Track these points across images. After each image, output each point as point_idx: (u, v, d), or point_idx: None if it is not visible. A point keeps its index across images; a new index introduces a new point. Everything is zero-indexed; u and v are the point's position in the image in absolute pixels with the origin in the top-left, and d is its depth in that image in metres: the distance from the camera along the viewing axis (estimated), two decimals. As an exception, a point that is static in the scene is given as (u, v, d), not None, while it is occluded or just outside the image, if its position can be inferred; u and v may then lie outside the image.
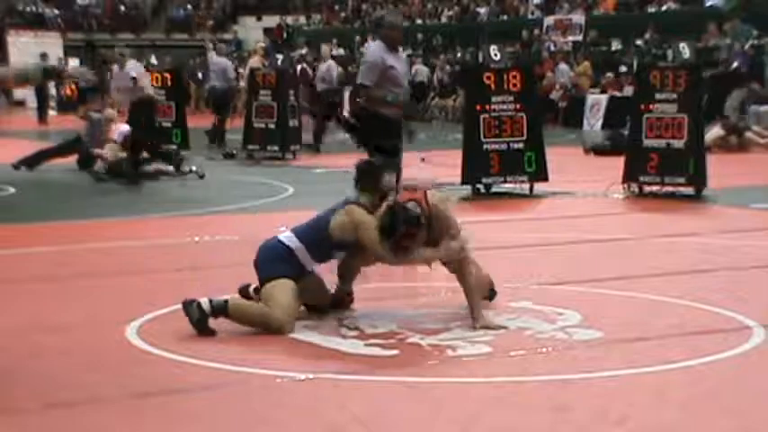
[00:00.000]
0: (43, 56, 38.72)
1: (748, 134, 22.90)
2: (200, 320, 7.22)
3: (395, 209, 7.36)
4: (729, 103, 25.33)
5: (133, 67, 19.09)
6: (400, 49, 11.39)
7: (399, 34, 11.21)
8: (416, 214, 7.33)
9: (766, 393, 6.09)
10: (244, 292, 7.78)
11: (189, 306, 7.25)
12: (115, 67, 22.44)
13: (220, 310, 7.30)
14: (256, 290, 7.68)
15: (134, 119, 18.43)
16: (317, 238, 7.65)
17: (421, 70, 36.26)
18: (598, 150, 21.70)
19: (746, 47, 28.54)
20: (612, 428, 5.45)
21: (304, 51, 33.21)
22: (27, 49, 29.21)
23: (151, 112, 19.07)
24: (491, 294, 8.13)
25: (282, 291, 7.39)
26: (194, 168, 18.38)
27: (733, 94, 25.40)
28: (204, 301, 7.27)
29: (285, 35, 45.32)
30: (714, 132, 21.45)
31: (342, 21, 46.57)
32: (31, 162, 18.87)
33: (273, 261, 7.61)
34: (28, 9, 49.24)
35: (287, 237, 7.72)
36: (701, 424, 5.49)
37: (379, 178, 7.95)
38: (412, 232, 7.34)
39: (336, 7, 48.64)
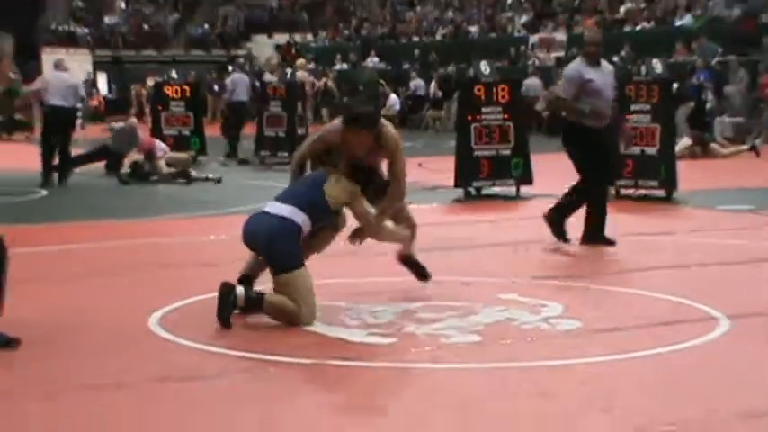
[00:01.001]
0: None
1: (713, 145, 22.93)
2: (227, 315, 7.11)
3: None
4: (677, 118, 25.40)
5: None
6: (603, 63, 10.90)
7: (596, 49, 10.73)
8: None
9: (731, 378, 6.09)
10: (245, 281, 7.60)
11: (225, 295, 7.12)
12: None
13: (254, 303, 7.21)
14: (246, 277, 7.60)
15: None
16: (317, 206, 7.43)
17: (418, 84, 36.24)
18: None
19: (713, 63, 28.55)
20: (592, 409, 5.46)
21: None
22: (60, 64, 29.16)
23: None
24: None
25: (306, 286, 7.25)
26: (210, 176, 18.42)
27: (679, 110, 25.41)
28: (240, 293, 7.18)
29: (294, 51, 45.29)
30: (683, 143, 21.48)
31: (345, 38, 46.51)
32: (69, 170, 18.82)
33: (291, 244, 7.30)
34: (60, 28, 49.16)
35: (291, 211, 7.36)
36: (671, 407, 5.48)
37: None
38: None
39: (340, 26, 48.62)
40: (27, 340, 6.99)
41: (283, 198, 7.57)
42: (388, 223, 7.82)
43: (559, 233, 10.66)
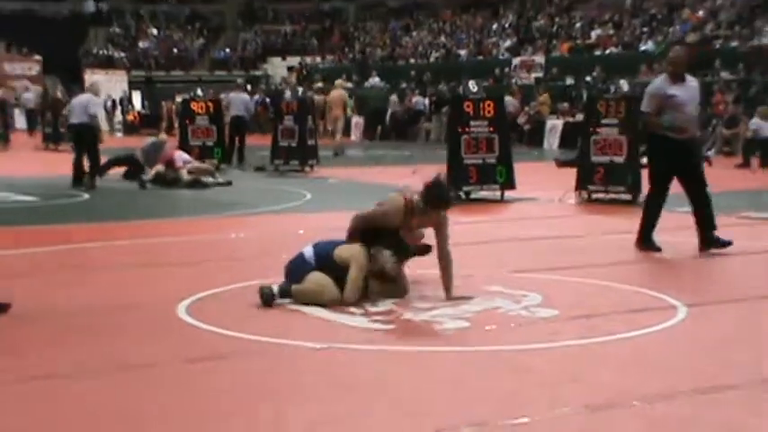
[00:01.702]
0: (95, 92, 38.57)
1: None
2: (269, 300, 7.44)
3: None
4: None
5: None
6: (689, 78, 10.33)
7: (678, 68, 10.18)
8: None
9: (688, 357, 6.13)
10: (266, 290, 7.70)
11: (262, 290, 7.46)
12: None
13: (285, 293, 7.52)
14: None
15: None
16: (326, 258, 7.74)
17: (419, 100, 36.25)
18: (567, 164, 21.67)
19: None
20: (567, 384, 5.48)
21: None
22: (99, 85, 29.14)
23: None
24: None
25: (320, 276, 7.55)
26: (221, 180, 18.48)
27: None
28: (274, 287, 7.49)
29: (304, 72, 45.32)
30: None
31: (349, 60, 46.56)
32: (100, 172, 18.84)
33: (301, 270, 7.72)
34: (100, 52, 49.26)
35: (308, 252, 7.81)
36: (638, 382, 5.50)
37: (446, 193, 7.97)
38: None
39: (345, 49, 48.65)
40: (69, 326, 7.04)
41: (315, 245, 7.88)
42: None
43: (652, 247, 10.18)
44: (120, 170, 19.70)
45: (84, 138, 18.19)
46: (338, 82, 31.16)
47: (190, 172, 18.31)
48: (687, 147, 10.02)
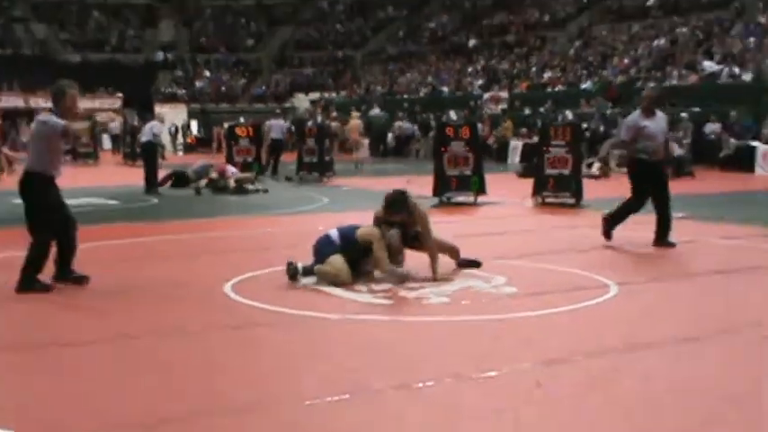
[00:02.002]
0: (161, 120, 38.59)
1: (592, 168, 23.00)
2: (294, 275, 7.48)
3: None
4: (602, 149, 25.54)
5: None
6: (659, 113, 9.94)
7: (650, 104, 9.84)
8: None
9: (617, 324, 6.12)
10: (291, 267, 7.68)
11: (289, 265, 7.51)
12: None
13: (308, 271, 7.54)
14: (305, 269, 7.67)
15: None
16: (349, 238, 7.74)
17: (405, 127, 36.15)
18: (525, 175, 21.68)
19: (607, 114, 28.58)
20: (525, 347, 5.47)
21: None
22: (165, 115, 29.20)
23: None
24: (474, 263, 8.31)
25: (339, 260, 7.53)
26: (260, 188, 18.36)
27: (604, 144, 25.56)
28: (299, 265, 7.52)
29: (323, 104, 45.25)
30: (595, 166, 21.54)
31: (358, 95, 46.50)
32: (161, 183, 18.83)
33: (328, 249, 7.66)
34: (166, 90, 49.30)
35: (335, 234, 7.78)
36: (578, 344, 5.50)
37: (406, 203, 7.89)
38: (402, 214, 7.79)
39: (354, 86, 48.63)
40: (140, 298, 7.05)
41: (339, 228, 7.90)
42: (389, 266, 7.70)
43: (607, 233, 10.00)
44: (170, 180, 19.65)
45: (149, 152, 18.34)
46: (354, 114, 31.19)
47: (236, 180, 18.32)
48: (656, 166, 9.84)
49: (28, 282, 7.17)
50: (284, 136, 24.91)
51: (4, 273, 7.64)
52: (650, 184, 9.82)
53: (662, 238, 9.78)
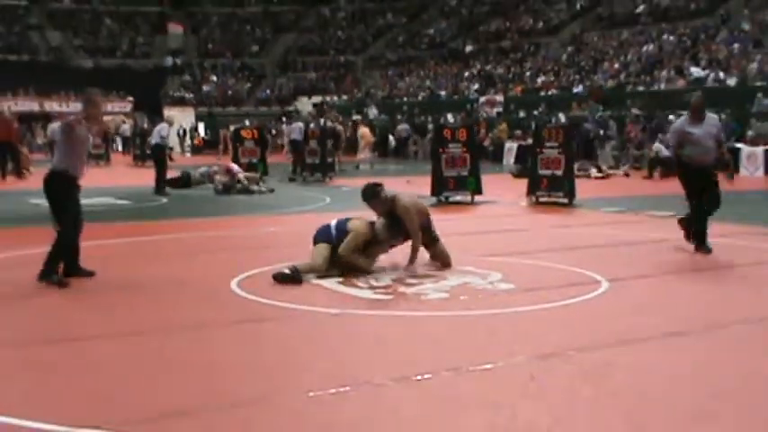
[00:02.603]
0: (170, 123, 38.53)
1: (592, 170, 23.00)
2: (286, 279, 7.34)
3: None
4: (601, 152, 25.77)
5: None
6: (709, 116, 9.49)
7: (696, 111, 9.33)
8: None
9: (609, 318, 6.08)
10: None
11: (281, 275, 7.38)
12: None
13: (295, 271, 7.42)
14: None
15: None
16: (341, 229, 7.84)
17: (404, 128, 36.10)
18: (520, 175, 21.68)
19: (597, 117, 28.55)
20: (520, 340, 5.43)
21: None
22: (174, 117, 29.06)
23: None
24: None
25: (319, 249, 7.68)
26: (264, 189, 18.28)
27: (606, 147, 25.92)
28: (286, 270, 7.39)
29: (324, 107, 45.19)
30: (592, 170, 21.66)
31: (358, 99, 46.46)
32: (170, 184, 18.77)
33: (322, 236, 7.80)
34: (175, 94, 49.23)
35: (333, 224, 7.88)
36: (572, 338, 5.46)
37: (379, 195, 8.00)
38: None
39: (355, 90, 48.59)
40: (147, 294, 7.01)
41: (338, 221, 7.97)
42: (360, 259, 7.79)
43: (688, 236, 9.46)
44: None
45: (157, 153, 18.35)
46: (357, 119, 31.15)
47: (246, 178, 18.26)
48: (702, 171, 9.29)
49: (47, 273, 7.30)
50: (303, 137, 24.82)
51: (24, 270, 7.63)
52: (698, 186, 9.37)
53: (692, 237, 9.34)
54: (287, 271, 7.33)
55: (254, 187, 18.20)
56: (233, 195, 17.50)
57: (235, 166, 18.99)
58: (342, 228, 7.81)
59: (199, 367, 4.95)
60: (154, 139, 18.82)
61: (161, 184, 18.09)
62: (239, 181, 18.11)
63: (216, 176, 18.70)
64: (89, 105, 7.72)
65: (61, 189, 7.47)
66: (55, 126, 35.38)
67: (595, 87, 31.84)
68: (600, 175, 22.15)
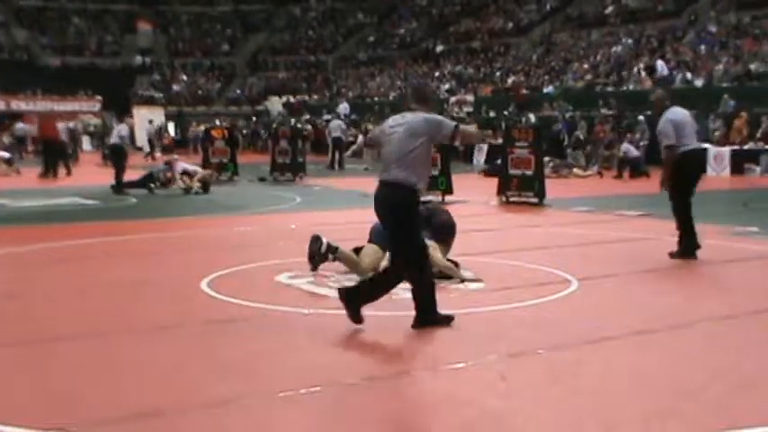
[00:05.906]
0: (150, 121, 38.25)
1: (574, 170, 23.12)
2: (317, 252, 7.41)
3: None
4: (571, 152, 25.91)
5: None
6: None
7: (656, 108, 8.91)
8: None
9: (578, 317, 6.11)
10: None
11: (315, 240, 7.41)
12: None
13: (332, 250, 7.45)
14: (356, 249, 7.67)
15: None
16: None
17: (374, 129, 36.03)
18: (487, 174, 21.75)
19: (567, 116, 28.73)
20: (491, 339, 5.45)
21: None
22: (142, 116, 28.86)
23: None
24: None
25: (369, 250, 7.57)
26: (198, 190, 17.64)
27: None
28: (324, 241, 7.44)
29: (295, 107, 45.06)
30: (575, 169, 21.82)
31: (329, 98, 46.38)
32: (126, 186, 18.30)
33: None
34: (144, 93, 48.86)
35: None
36: (542, 337, 5.49)
37: None
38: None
39: (326, 90, 48.51)
40: (114, 295, 6.93)
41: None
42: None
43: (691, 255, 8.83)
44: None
45: (116, 153, 18.24)
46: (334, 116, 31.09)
47: (199, 180, 17.96)
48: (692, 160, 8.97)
49: None
50: (344, 135, 24.91)
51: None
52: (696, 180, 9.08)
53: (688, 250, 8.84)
54: (323, 248, 7.40)
55: (193, 186, 17.70)
56: (171, 192, 17.35)
57: (180, 165, 18.69)
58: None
59: (168, 367, 4.91)
60: (112, 139, 18.85)
61: (119, 183, 17.86)
62: (181, 178, 17.91)
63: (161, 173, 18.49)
64: None
65: None
66: (22, 125, 35.13)
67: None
68: (585, 174, 22.39)
